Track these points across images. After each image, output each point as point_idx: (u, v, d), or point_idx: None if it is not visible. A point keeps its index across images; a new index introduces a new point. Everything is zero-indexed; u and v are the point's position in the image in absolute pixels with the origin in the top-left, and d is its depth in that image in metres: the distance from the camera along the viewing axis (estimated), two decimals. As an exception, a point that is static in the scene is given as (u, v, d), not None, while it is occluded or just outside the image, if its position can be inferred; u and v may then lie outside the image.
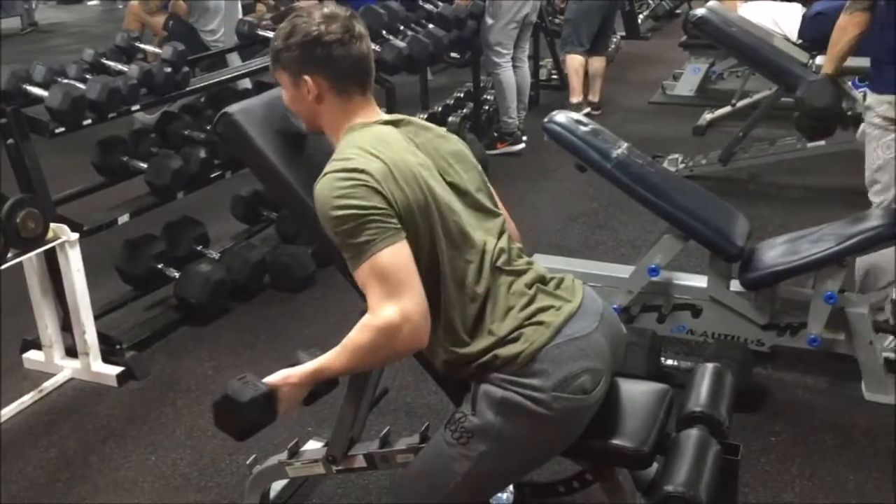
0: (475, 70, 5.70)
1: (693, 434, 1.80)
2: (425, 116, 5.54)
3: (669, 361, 2.96)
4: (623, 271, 3.17)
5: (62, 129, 3.03)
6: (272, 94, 1.97)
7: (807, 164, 4.94)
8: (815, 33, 5.14)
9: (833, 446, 2.67)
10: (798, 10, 5.76)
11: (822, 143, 4.71)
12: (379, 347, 1.63)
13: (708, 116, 6.01)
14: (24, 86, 3.07)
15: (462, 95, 5.97)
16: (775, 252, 2.93)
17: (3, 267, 2.75)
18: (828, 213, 2.97)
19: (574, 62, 6.18)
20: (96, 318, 3.22)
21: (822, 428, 2.75)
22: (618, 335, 1.88)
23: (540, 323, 1.73)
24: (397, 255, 1.62)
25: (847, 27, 3.18)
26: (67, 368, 3.17)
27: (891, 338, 2.99)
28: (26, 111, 3.04)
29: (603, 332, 1.80)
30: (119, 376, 3.11)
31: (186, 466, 2.67)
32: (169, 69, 3.38)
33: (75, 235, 2.97)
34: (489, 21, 5.38)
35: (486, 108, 5.98)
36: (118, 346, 3.20)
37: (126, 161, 3.41)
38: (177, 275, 3.48)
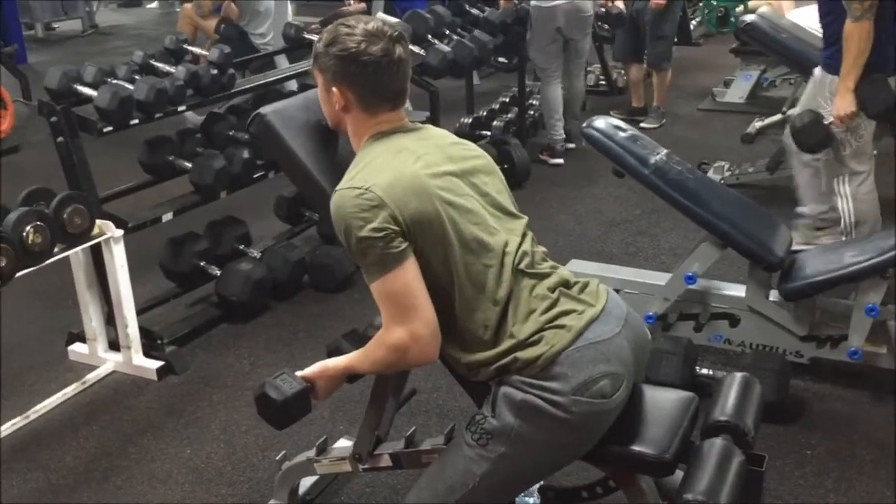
0: (521, 75, 5.70)
1: (717, 443, 1.78)
2: (470, 121, 5.56)
3: (704, 371, 2.93)
4: (660, 279, 3.15)
5: (110, 129, 3.11)
6: (307, 95, 2.00)
7: (857, 174, 4.82)
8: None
9: (871, 461, 2.61)
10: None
11: (874, 152, 4.62)
12: (391, 363, 1.77)
13: (758, 124, 5.92)
14: (75, 86, 3.15)
15: (507, 100, 5.98)
16: (816, 262, 2.88)
17: (50, 261, 2.82)
18: (875, 224, 2.94)
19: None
20: (139, 313, 3.30)
21: (861, 442, 2.69)
22: (642, 340, 1.87)
23: (561, 326, 1.73)
24: (403, 277, 1.69)
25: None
26: (110, 361, 3.26)
27: None
28: (77, 110, 3.14)
29: (626, 337, 1.79)
30: (159, 370, 3.17)
31: (220, 460, 2.72)
32: (215, 71, 3.44)
33: (119, 232, 3.04)
34: (528, 35, 5.34)
35: (531, 113, 5.97)
36: (159, 341, 3.27)
37: (172, 160, 3.48)
38: (218, 273, 3.54)
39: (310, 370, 1.87)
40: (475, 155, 1.92)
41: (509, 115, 5.78)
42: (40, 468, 2.72)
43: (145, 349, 3.25)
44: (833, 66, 3.40)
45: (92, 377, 3.19)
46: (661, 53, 6.09)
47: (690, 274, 2.98)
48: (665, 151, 3.04)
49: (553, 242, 4.29)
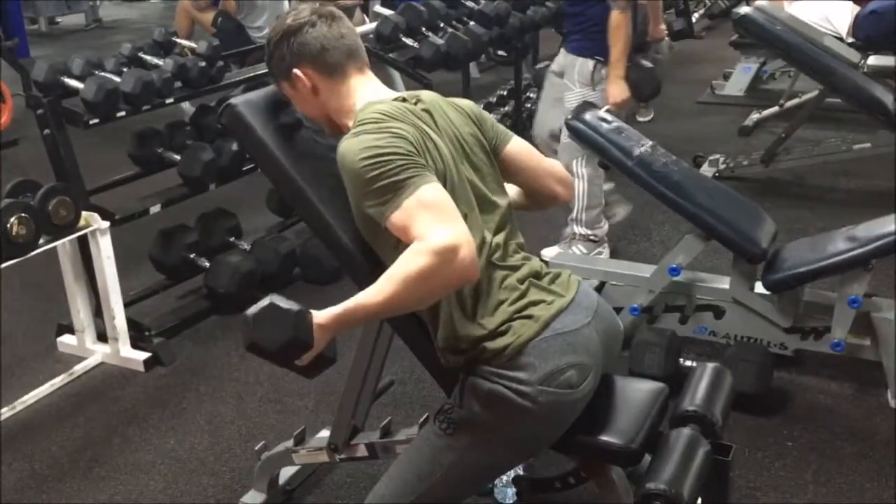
0: (517, 68, 5.70)
1: (683, 433, 1.78)
2: (466, 114, 5.56)
3: (688, 363, 2.93)
4: (646, 270, 3.14)
5: (96, 121, 3.12)
6: (269, 88, 1.99)
7: (853, 167, 4.82)
8: (869, 32, 5.02)
9: (852, 454, 2.61)
10: (851, 8, 5.61)
11: (868, 144, 4.61)
12: (432, 273, 1.50)
13: (755, 117, 5.90)
14: (63, 78, 3.17)
15: (505, 93, 5.98)
16: (799, 254, 2.87)
17: (35, 253, 2.84)
18: (871, 216, 2.91)
19: None
20: (128, 304, 3.32)
21: (843, 435, 2.69)
22: (612, 331, 1.88)
23: (529, 317, 1.74)
24: (441, 190, 1.60)
25: None
26: (98, 353, 3.28)
27: None
28: (66, 103, 3.15)
29: (595, 328, 1.79)
30: (146, 362, 3.19)
31: (203, 451, 2.74)
32: (203, 63, 3.45)
33: (106, 224, 3.06)
34: None
35: (528, 105, 5.96)
36: (147, 333, 3.29)
37: (161, 153, 3.49)
38: (208, 265, 3.56)
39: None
40: (471, 133, 1.85)
41: (506, 109, 5.78)
42: (26, 458, 2.74)
43: (133, 341, 3.26)
44: (583, 50, 3.62)
45: (80, 368, 3.21)
46: None
47: (675, 266, 2.98)
48: (650, 143, 3.04)
49: (545, 234, 4.28)
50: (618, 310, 3.09)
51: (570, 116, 3.07)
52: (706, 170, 4.87)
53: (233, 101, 1.91)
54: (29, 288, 3.78)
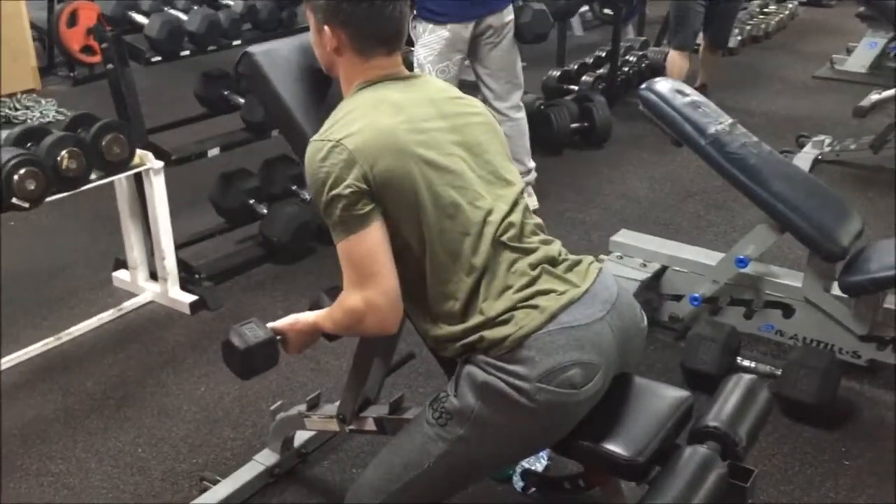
0: (616, 28, 5.41)
1: (698, 451, 1.61)
2: (558, 74, 5.35)
3: (746, 362, 2.71)
4: (713, 258, 2.93)
5: (158, 59, 3.08)
6: (303, 37, 1.88)
7: (974, 161, 4.39)
8: None
9: (917, 482, 2.36)
10: None
11: None
12: (348, 326, 1.67)
13: (874, 97, 5.40)
14: (130, 13, 3.14)
15: (604, 55, 5.70)
16: (884, 256, 2.60)
17: (87, 187, 2.84)
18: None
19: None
20: (183, 246, 3.33)
21: (910, 460, 2.44)
22: (632, 328, 1.71)
23: (534, 307, 1.59)
24: (366, 241, 1.58)
25: None
26: (149, 291, 3.29)
27: None
28: (132, 38, 3.13)
29: (611, 324, 1.63)
30: (192, 304, 3.19)
31: (230, 402, 2.71)
32: (274, 5, 3.37)
33: (160, 163, 3.04)
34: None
35: (626, 70, 5.67)
36: (197, 276, 3.28)
37: (227, 95, 3.45)
38: (266, 212, 3.52)
39: (281, 322, 1.80)
40: (473, 112, 1.78)
41: (600, 71, 5.52)
42: (60, 390, 2.77)
43: (183, 283, 3.26)
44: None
45: (129, 305, 3.23)
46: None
47: (742, 257, 2.75)
48: (730, 121, 2.79)
49: (621, 208, 4.08)
50: (678, 297, 2.95)
51: (643, 86, 2.84)
52: (808, 152, 4.52)
53: (251, 49, 1.82)
54: (95, 221, 3.83)
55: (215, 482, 2.30)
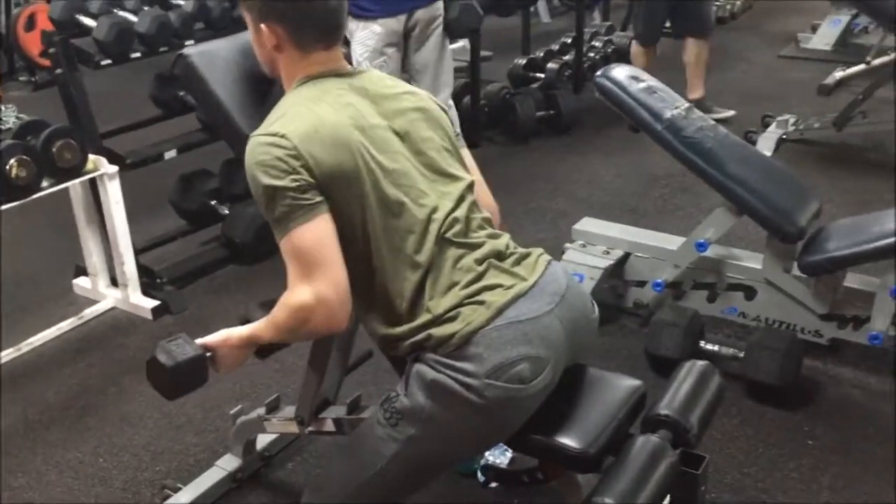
0: (579, 14, 5.39)
1: (650, 440, 1.60)
2: (524, 62, 5.32)
3: (709, 346, 2.71)
4: (674, 243, 2.92)
5: (109, 62, 3.04)
6: (242, 37, 1.85)
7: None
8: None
9: (881, 459, 2.36)
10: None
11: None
12: (294, 328, 1.58)
13: (838, 75, 5.45)
14: (78, 16, 3.09)
15: (570, 42, 5.68)
16: (842, 235, 2.61)
17: (38, 195, 2.80)
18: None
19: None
20: (144, 250, 3.29)
21: (874, 437, 2.44)
22: (582, 320, 1.69)
23: (480, 303, 1.57)
24: (313, 232, 1.53)
25: None
26: (110, 297, 3.25)
27: None
28: (81, 42, 3.08)
29: (559, 316, 1.62)
30: (154, 310, 3.15)
31: (192, 407, 2.68)
32: (227, 3, 3.33)
33: (114, 168, 3.00)
34: None
35: (591, 55, 5.66)
36: (159, 280, 3.24)
37: (182, 96, 3.40)
38: (227, 213, 3.48)
39: (211, 338, 1.69)
40: (416, 107, 1.75)
41: (566, 58, 5.50)
42: (20, 402, 2.74)
43: (145, 288, 3.23)
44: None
45: (90, 312, 3.20)
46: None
47: (702, 241, 2.75)
48: (686, 106, 2.78)
49: (588, 196, 4.08)
50: (642, 283, 2.95)
51: (599, 73, 2.83)
52: (773, 131, 4.53)
53: (187, 50, 1.80)
54: (55, 228, 3.78)
55: (176, 490, 2.28)
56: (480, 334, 1.55)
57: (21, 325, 3.14)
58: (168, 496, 2.27)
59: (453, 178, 1.70)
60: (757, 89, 5.49)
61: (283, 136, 1.55)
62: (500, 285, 1.60)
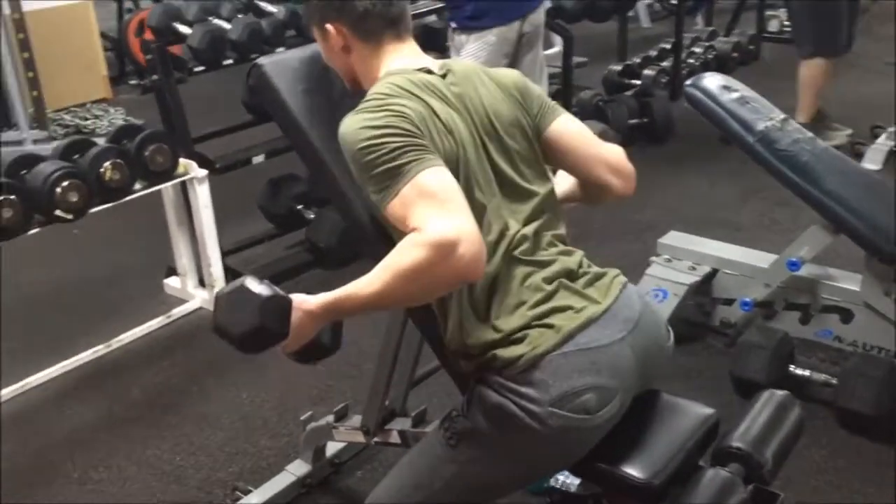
0: (678, 19, 5.24)
1: (720, 474, 1.52)
2: (620, 68, 5.21)
3: (800, 371, 2.57)
4: (766, 260, 2.79)
5: (202, 68, 3.11)
6: (315, 46, 1.85)
7: None
8: None
9: None
10: None
11: None
12: (427, 268, 1.33)
13: (958, 83, 5.13)
14: (174, 24, 3.17)
15: (669, 47, 5.54)
16: (950, 258, 2.43)
17: (132, 197, 2.89)
18: None
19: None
20: (231, 252, 3.35)
21: (977, 478, 2.27)
22: (655, 348, 1.62)
23: (549, 326, 1.51)
24: (444, 176, 1.40)
25: None
26: (198, 298, 3.33)
27: None
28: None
29: (632, 344, 1.55)
30: (238, 311, 3.20)
31: (269, 410, 2.71)
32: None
33: (203, 172, 3.07)
34: None
35: (691, 61, 5.50)
36: (243, 282, 3.29)
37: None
38: (314, 217, 3.52)
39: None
40: (524, 113, 1.65)
41: (664, 64, 5.36)
42: (107, 398, 2.83)
43: (231, 289, 3.28)
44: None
45: (178, 312, 3.28)
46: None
47: (794, 260, 2.62)
48: (782, 117, 2.65)
49: (677, 207, 3.95)
50: (730, 301, 2.83)
51: (688, 82, 2.73)
52: (882, 143, 4.27)
53: (261, 60, 1.79)
54: (152, 228, 3.89)
55: (247, 492, 2.31)
56: (547, 360, 1.48)
57: (113, 321, 3.24)
58: (239, 498, 2.30)
59: (530, 193, 1.62)
60: (868, 98, 5.22)
61: (396, 105, 1.47)
62: (570, 307, 1.54)
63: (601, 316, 1.54)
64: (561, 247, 1.64)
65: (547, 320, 1.52)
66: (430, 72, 1.61)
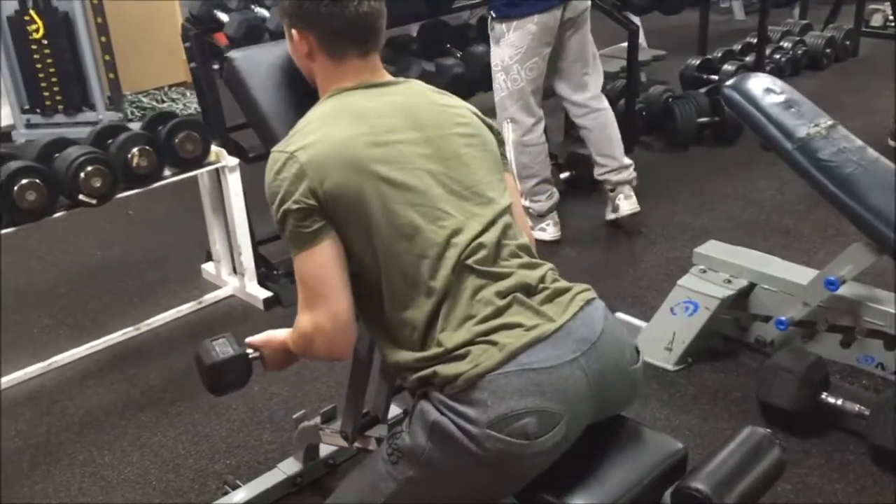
0: (763, 10, 4.94)
1: (674, 518, 1.39)
2: (697, 63, 4.99)
3: (831, 399, 2.37)
4: (806, 277, 2.58)
5: (238, 56, 3.09)
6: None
7: None
8: None
9: None
10: None
11: None
12: (302, 349, 1.59)
13: None
14: (216, 11, 3.18)
15: (754, 41, 5.25)
16: None
17: (161, 184, 2.91)
18: None
19: None
20: (265, 241, 3.35)
21: None
22: (615, 373, 1.50)
23: (493, 343, 1.42)
24: (315, 260, 1.49)
25: None
26: (230, 285, 3.34)
27: None
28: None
29: (585, 367, 1.44)
30: (266, 300, 3.20)
31: (278, 404, 2.69)
32: None
33: (234, 160, 3.06)
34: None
35: (777, 57, 5.20)
36: (275, 272, 3.29)
37: (315, 91, 3.42)
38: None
39: (257, 338, 1.74)
40: (457, 121, 1.62)
41: (747, 59, 5.09)
42: (127, 381, 2.86)
43: (262, 278, 3.29)
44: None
45: (209, 298, 3.30)
46: None
47: (833, 279, 2.41)
48: (829, 123, 2.45)
49: (738, 213, 3.74)
50: (767, 319, 2.64)
51: (728, 82, 2.54)
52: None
53: (232, 53, 1.76)
54: (196, 214, 3.94)
55: (236, 487, 2.29)
56: (487, 379, 1.40)
57: (147, 304, 3.29)
58: (227, 492, 2.29)
59: (488, 199, 1.56)
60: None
61: (292, 155, 1.50)
62: (519, 325, 1.45)
63: (552, 334, 1.45)
64: (524, 258, 1.55)
65: (492, 337, 1.44)
66: (372, 85, 1.60)
